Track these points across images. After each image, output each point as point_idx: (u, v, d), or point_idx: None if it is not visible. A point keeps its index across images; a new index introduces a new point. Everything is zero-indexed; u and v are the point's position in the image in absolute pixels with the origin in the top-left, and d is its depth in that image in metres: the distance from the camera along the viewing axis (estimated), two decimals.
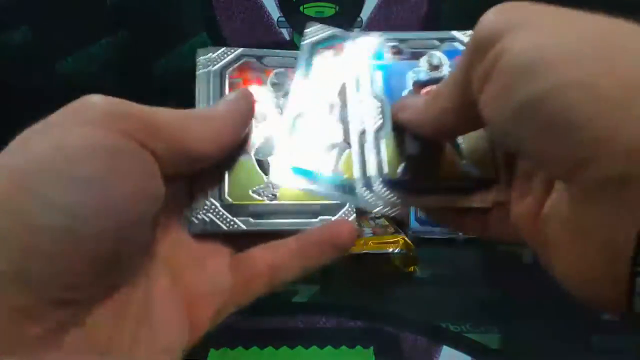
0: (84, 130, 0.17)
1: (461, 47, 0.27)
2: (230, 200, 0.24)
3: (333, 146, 0.25)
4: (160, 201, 0.20)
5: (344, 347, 0.49)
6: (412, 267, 0.62)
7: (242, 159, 0.25)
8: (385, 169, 0.24)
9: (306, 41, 0.27)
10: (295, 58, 0.27)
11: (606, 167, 0.14)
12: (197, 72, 0.26)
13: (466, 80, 0.18)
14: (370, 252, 0.61)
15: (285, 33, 0.74)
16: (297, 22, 0.74)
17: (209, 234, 0.23)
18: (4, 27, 0.70)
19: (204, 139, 0.21)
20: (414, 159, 0.24)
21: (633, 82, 0.14)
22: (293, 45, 0.74)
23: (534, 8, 0.17)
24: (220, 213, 0.23)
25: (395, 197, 0.23)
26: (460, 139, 0.24)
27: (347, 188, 0.23)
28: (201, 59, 0.26)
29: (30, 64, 0.72)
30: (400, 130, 0.24)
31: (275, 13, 0.73)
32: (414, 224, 0.71)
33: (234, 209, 0.24)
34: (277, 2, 0.73)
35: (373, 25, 0.75)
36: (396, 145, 0.24)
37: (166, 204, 0.22)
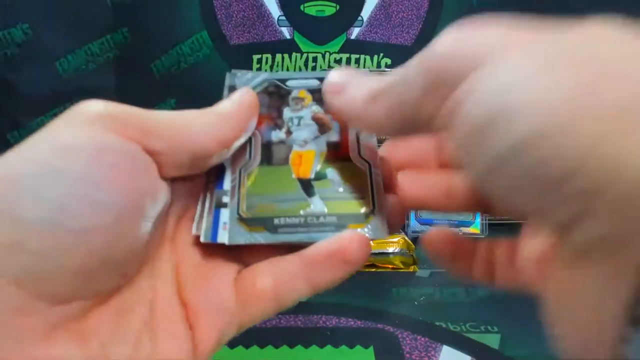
0: (77, 129, 0.17)
1: None
2: (247, 212, 0.22)
3: None
4: (158, 199, 0.19)
5: (344, 347, 0.49)
6: (412, 267, 0.62)
7: (261, 167, 0.23)
8: None
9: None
10: (319, 79, 0.26)
11: (602, 222, 0.12)
12: (224, 94, 0.26)
13: (418, 104, 0.17)
14: (371, 252, 0.61)
15: (285, 32, 0.73)
16: (298, 20, 0.74)
17: (217, 243, 0.21)
18: (4, 25, 0.70)
19: (204, 133, 0.20)
20: None
21: (625, 112, 0.12)
22: (293, 44, 0.74)
23: (496, 33, 0.15)
24: (236, 224, 0.22)
25: None
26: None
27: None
28: (228, 82, 0.26)
29: (30, 63, 0.72)
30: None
31: (275, 12, 0.73)
32: (414, 224, 0.70)
33: (251, 221, 0.22)
34: (277, 1, 0.73)
35: (374, 24, 0.75)
36: None
37: (176, 206, 0.21)
